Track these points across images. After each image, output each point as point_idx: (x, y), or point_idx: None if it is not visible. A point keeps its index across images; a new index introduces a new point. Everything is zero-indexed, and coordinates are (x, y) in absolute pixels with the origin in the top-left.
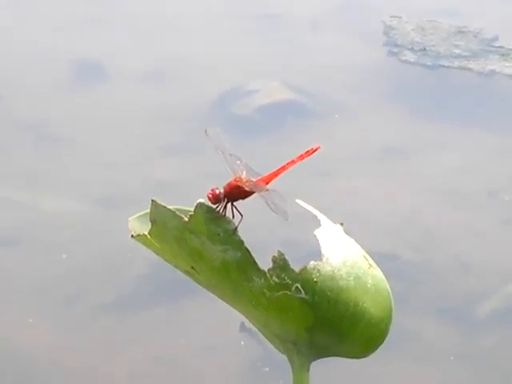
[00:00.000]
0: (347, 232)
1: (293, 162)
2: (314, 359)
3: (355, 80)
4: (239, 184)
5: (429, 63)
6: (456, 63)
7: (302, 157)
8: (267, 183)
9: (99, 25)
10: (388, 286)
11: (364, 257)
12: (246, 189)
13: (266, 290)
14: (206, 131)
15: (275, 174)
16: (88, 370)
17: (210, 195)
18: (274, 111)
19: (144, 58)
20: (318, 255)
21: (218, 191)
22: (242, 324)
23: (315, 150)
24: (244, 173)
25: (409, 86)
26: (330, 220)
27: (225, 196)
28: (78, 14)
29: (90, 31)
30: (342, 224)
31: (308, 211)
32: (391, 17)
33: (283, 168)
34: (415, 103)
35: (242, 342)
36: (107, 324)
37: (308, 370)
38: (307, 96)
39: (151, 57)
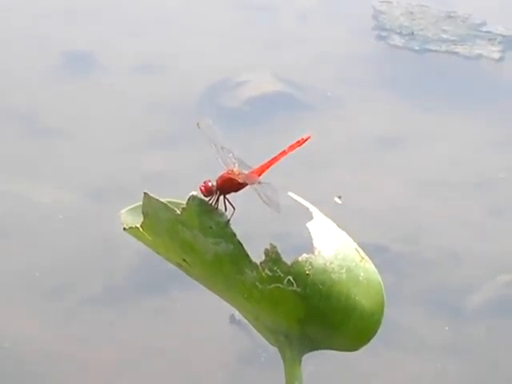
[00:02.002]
0: (339, 219)
1: (284, 152)
2: (306, 352)
3: (344, 67)
4: (232, 176)
5: (416, 47)
6: (443, 47)
7: (292, 147)
8: (259, 175)
9: (90, 16)
10: (380, 279)
11: (356, 249)
12: (239, 181)
13: (258, 283)
14: (197, 124)
15: (267, 166)
16: (77, 359)
17: (203, 188)
18: (264, 103)
19: (134, 50)
20: (305, 248)
21: (210, 184)
22: (232, 316)
23: (306, 140)
24: (236, 165)
25: (397, 70)
26: (321, 211)
27: (217, 189)
28: (70, 4)
29: (80, 22)
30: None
31: (298, 204)
32: (381, 2)
33: (274, 159)
34: (403, 88)
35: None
36: (96, 315)
37: (300, 362)
38: (297, 88)
39: (141, 48)
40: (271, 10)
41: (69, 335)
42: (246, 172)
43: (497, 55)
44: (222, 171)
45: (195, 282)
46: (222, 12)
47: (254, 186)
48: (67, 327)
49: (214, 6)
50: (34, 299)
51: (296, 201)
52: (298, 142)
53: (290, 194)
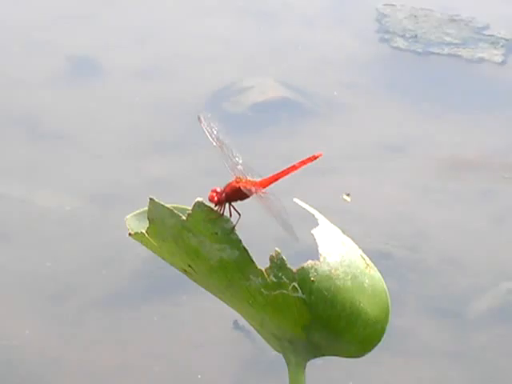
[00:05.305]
0: (343, 225)
1: (294, 167)
2: (311, 358)
3: (347, 71)
4: (240, 186)
5: (419, 50)
6: (446, 50)
7: (303, 162)
8: (265, 187)
9: (94, 21)
10: (385, 287)
11: (361, 256)
12: (247, 193)
13: (263, 289)
14: (198, 117)
15: (275, 178)
16: (78, 363)
17: (215, 197)
18: (268, 109)
19: (138, 55)
20: (310, 254)
21: (221, 193)
22: (236, 322)
23: (317, 157)
24: (242, 170)
25: (400, 73)
26: (326, 217)
27: (226, 197)
28: (73, 9)
29: (85, 27)
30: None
31: (303, 210)
32: (385, 5)
33: (284, 172)
34: (407, 92)
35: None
36: (98, 320)
37: (304, 368)
38: (301, 93)
39: (145, 53)
40: (275, 15)
41: (70, 339)
42: (253, 180)
43: (499, 58)
44: (228, 175)
45: (199, 287)
46: (225, 18)
47: (261, 202)
48: (69, 331)
49: (218, 12)
50: (35, 303)
51: (301, 207)
52: (309, 158)
53: (296, 200)
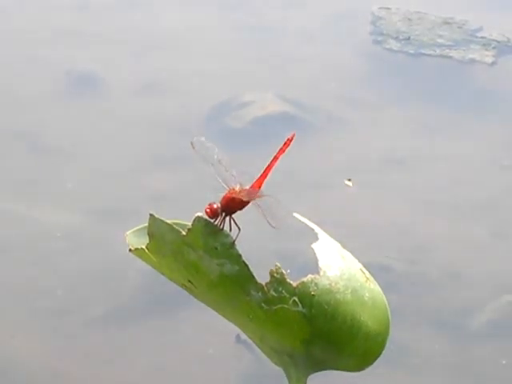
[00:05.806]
0: (343, 239)
1: (276, 158)
2: (311, 372)
3: (346, 82)
4: (234, 196)
5: (411, 51)
6: (438, 51)
7: (282, 150)
8: (259, 187)
9: (94, 37)
10: (385, 300)
11: (361, 270)
12: (242, 198)
13: (263, 304)
14: (191, 144)
15: (264, 175)
16: (78, 379)
17: (208, 210)
18: (269, 123)
19: (138, 71)
20: (310, 268)
21: (215, 205)
22: (238, 336)
23: (291, 140)
24: (238, 185)
25: (394, 76)
26: (325, 231)
27: (222, 210)
28: (73, 27)
29: (84, 43)
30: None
31: (303, 225)
32: (380, 8)
33: (269, 167)
34: (404, 99)
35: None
36: (100, 336)
37: (305, 383)
38: (301, 107)
39: (145, 69)
40: (274, 32)
41: (71, 353)
42: (246, 188)
43: (490, 60)
44: (224, 191)
45: (200, 302)
46: (225, 33)
47: (257, 202)
48: (69, 345)
49: (217, 27)
50: (36, 318)
51: (301, 221)
52: (285, 143)
53: (295, 214)
